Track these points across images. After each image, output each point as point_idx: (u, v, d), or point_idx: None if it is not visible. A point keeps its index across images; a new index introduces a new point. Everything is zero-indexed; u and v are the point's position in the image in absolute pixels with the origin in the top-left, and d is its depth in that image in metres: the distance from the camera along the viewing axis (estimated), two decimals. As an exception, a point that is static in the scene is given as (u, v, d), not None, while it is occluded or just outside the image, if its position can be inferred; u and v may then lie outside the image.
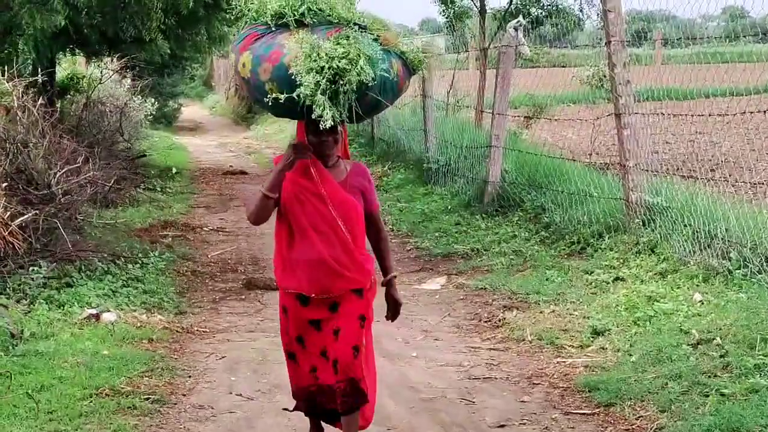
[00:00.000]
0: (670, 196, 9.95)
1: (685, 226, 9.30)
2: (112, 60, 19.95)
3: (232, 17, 17.50)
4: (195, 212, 15.22)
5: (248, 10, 5.39)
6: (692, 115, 9.78)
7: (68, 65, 21.35)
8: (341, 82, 4.89)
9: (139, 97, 22.82)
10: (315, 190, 5.26)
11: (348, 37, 5.03)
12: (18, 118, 11.69)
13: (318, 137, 5.19)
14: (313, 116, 4.92)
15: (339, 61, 4.86)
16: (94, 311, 8.66)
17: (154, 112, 25.98)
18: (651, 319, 8.10)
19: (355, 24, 5.19)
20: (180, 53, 21.85)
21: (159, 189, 17.15)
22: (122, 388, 7.02)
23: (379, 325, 6.49)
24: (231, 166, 21.54)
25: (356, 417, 5.44)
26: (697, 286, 8.50)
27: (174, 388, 7.19)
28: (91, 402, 6.72)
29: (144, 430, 6.39)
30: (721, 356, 6.92)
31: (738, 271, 8.40)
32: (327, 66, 4.85)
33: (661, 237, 9.61)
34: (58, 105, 15.52)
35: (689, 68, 11.29)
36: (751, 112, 8.67)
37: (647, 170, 10.23)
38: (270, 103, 5.08)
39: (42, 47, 14.77)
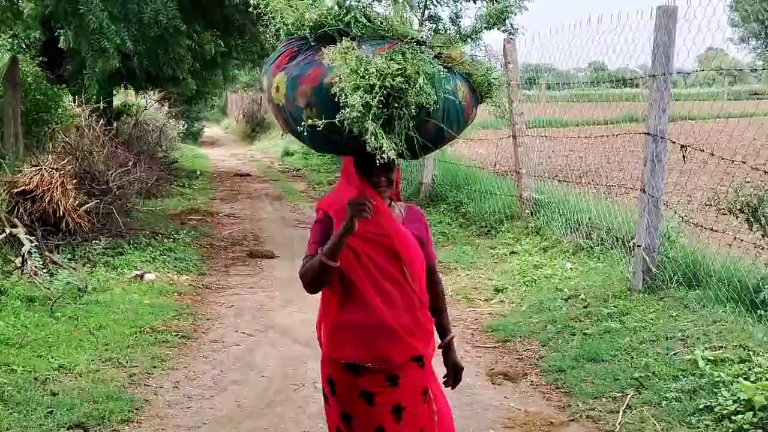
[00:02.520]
0: (550, 194, 10.03)
1: (560, 215, 9.37)
2: (154, 92, 19.92)
3: (246, 57, 17.83)
4: (213, 203, 15.09)
5: (284, 24, 3.22)
6: (566, 138, 9.87)
7: (122, 96, 21.16)
8: (396, 105, 2.91)
9: (173, 120, 22.73)
10: (374, 235, 3.16)
11: (404, 53, 3.02)
12: (85, 133, 11.70)
13: (373, 176, 3.14)
14: (368, 148, 2.84)
15: (393, 79, 2.91)
16: (139, 272, 8.59)
17: (183, 131, 25.94)
18: (536, 281, 8.16)
19: (412, 39, 3.12)
20: (203, 89, 21.81)
21: (187, 186, 16.98)
22: (159, 327, 6.97)
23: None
24: (239, 169, 21.35)
25: None
26: (569, 258, 8.58)
27: (196, 328, 7.14)
28: (136, 337, 6.67)
29: (174, 357, 6.34)
30: (584, 307, 7.00)
31: (597, 247, 8.46)
32: (379, 84, 2.90)
33: (543, 223, 9.68)
34: (115, 125, 15.35)
35: (565, 105, 11.41)
36: (607, 136, 8.77)
37: (534, 176, 10.33)
38: (307, 132, 2.97)
39: (102, 83, 14.73)
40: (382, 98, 2.84)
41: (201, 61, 16.08)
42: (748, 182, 6.32)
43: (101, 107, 14.18)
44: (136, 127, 17.85)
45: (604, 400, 5.28)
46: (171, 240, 10.44)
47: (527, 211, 10.11)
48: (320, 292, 3.24)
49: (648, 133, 6.93)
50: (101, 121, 12.68)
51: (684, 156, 6.57)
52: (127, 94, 21.45)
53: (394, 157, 2.83)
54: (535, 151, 10.36)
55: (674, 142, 6.88)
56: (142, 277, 8.51)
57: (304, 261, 3.18)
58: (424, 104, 2.91)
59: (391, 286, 3.17)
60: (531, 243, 9.43)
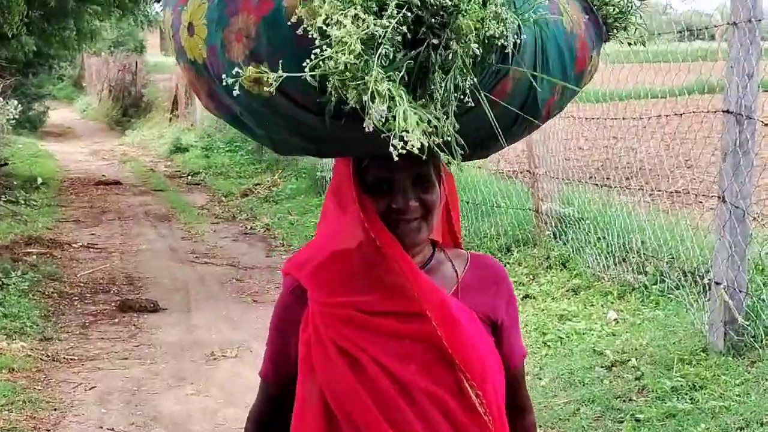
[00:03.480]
0: (583, 206, 10.08)
1: (599, 238, 9.43)
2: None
3: (113, 1, 17.60)
4: (63, 227, 15.01)
5: None
6: (606, 119, 9.92)
7: None
8: (435, 41, 2.06)
9: (0, 99, 22.50)
10: (399, 309, 2.45)
11: None
12: None
13: (390, 199, 2.41)
14: (381, 132, 2.03)
15: None
16: (-54, 338, 8.51)
17: (17, 116, 25.52)
18: (562, 340, 8.18)
19: None
20: (46, 50, 21.66)
21: (22, 201, 16.87)
22: (-22, 423, 6.91)
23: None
24: (104, 175, 21.30)
25: None
26: (612, 303, 8.63)
27: (37, 423, 7.06)
28: (-58, 440, 6.62)
29: (2, 471, 6.30)
30: (636, 379, 7.01)
31: (654, 286, 8.52)
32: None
33: (573, 250, 9.73)
34: None
35: (603, 68, 11.46)
36: (667, 116, 8.82)
37: (558, 178, 10.37)
38: (250, 108, 2.29)
39: None
40: (403, 24, 2.02)
41: (41, 8, 15.96)
42: None
43: None
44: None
45: None
46: (-3, 287, 10.33)
47: (548, 232, 10.16)
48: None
49: (728, 111, 7.02)
50: None
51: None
52: None
53: (435, 149, 2.06)
54: (560, 140, 10.42)
55: (767, 125, 6.97)
56: (-49, 345, 8.40)
57: (260, 386, 2.70)
58: (495, 36, 2.10)
59: (430, 426, 2.42)
60: (555, 281, 9.47)
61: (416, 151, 1.98)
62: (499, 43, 2.14)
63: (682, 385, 6.72)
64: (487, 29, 2.08)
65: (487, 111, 2.18)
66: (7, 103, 22.88)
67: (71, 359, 8.63)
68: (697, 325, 7.43)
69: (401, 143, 1.99)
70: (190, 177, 20.63)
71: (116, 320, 9.85)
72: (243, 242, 13.70)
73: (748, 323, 7.01)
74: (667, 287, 8.37)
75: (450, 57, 2.08)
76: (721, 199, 7.09)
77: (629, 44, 2.62)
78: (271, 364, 2.62)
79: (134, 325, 9.68)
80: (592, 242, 9.52)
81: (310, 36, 2.08)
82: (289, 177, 17.44)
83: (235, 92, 2.14)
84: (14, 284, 10.52)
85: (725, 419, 6.16)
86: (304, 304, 2.50)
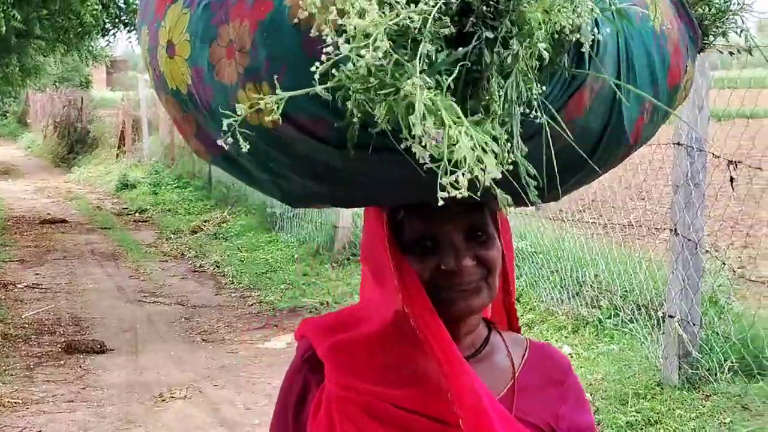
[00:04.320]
0: (537, 240, 10.13)
1: (553, 272, 9.47)
2: None
3: (57, 37, 17.52)
4: (6, 267, 14.86)
5: None
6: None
7: None
8: (489, 35, 1.51)
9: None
10: (426, 411, 1.94)
11: None
12: None
13: (439, 258, 1.92)
14: (422, 162, 1.47)
15: None
16: None
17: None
18: (516, 376, 8.19)
19: None
20: (-12, 87, 21.55)
21: (-35, 241, 16.77)
22: None
23: (216, 390, 6.40)
24: (49, 213, 21.11)
25: None
26: (566, 337, 8.66)
27: (-20, 471, 7.00)
28: None
29: None
30: (592, 410, 7.02)
31: (609, 320, 8.56)
32: None
33: (527, 285, 9.76)
34: None
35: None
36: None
37: (511, 213, 10.38)
38: (252, 156, 1.76)
39: None
40: (446, 13, 1.51)
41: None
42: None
43: None
44: None
45: None
46: (-61, 329, 10.22)
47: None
48: None
49: (678, 143, 7.08)
50: None
51: (732, 178, 6.68)
52: None
53: (493, 188, 1.47)
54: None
55: (717, 157, 7.03)
56: None
57: None
58: (567, 30, 1.60)
59: None
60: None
61: (467, 193, 1.42)
62: (573, 39, 1.61)
63: (637, 420, 6.74)
64: (557, 20, 1.56)
65: (563, 132, 1.65)
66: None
67: (15, 403, 8.50)
68: (652, 359, 7.47)
69: (452, 182, 1.43)
70: (137, 214, 20.50)
71: (62, 362, 9.74)
72: (192, 280, 13.62)
73: (702, 356, 7.06)
74: (621, 321, 8.42)
75: (509, 58, 1.53)
76: (673, 231, 7.15)
77: (730, 53, 2.08)
78: None
79: (80, 366, 9.57)
80: (545, 276, 9.56)
81: (323, 37, 1.53)
82: (239, 213, 17.39)
83: (227, 123, 1.60)
84: (-44, 326, 10.44)
85: (681, 454, 6.21)
86: (319, 380, 2.00)
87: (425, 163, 1.47)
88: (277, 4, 1.67)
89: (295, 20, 1.61)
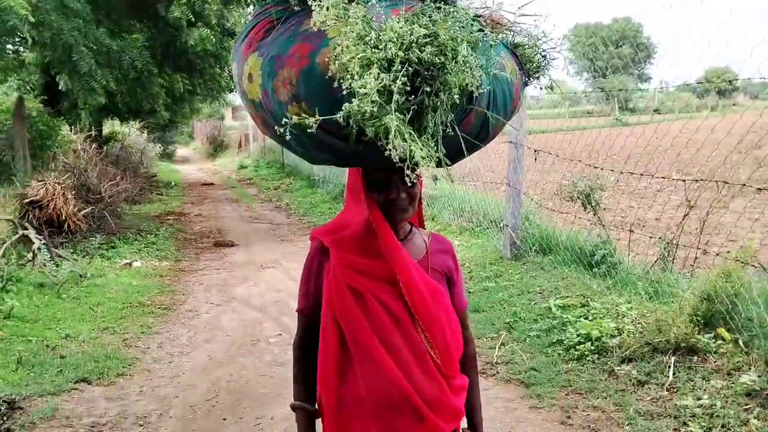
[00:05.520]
0: (444, 190, 10.10)
1: (450, 205, 9.50)
2: (135, 122, 19.35)
3: (207, 94, 17.47)
4: (185, 206, 14.71)
5: None
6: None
7: (110, 125, 20.49)
8: (428, 89, 1.52)
9: (152, 143, 22.13)
10: (384, 275, 1.87)
11: (430, 15, 1.60)
12: (81, 155, 11.32)
13: (387, 193, 1.88)
14: (392, 156, 1.50)
15: (421, 50, 1.51)
16: (128, 261, 8.36)
17: (160, 152, 25.20)
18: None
19: None
20: (174, 119, 21.23)
21: (164, 194, 16.50)
22: (145, 302, 6.79)
23: (288, 263, 6.13)
24: (205, 180, 20.85)
25: None
26: (456, 236, 8.64)
27: (174, 301, 6.96)
28: (126, 310, 6.49)
29: (157, 324, 6.19)
30: (468, 272, 7.05)
31: (477, 228, 8.56)
32: (401, 58, 1.50)
33: (438, 211, 9.76)
34: (105, 148, 14.86)
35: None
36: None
37: (429, 176, 10.36)
38: (292, 136, 1.63)
39: (93, 115, 14.41)
40: (406, 79, 1.50)
41: (172, 97, 15.75)
42: (584, 176, 6.52)
43: (93, 134, 13.82)
44: (122, 149, 17.29)
45: (484, 339, 5.38)
46: (153, 235, 10.13)
47: (424, 202, 10.16)
48: (319, 355, 1.93)
49: (511, 142, 7.10)
50: (93, 146, 12.39)
51: (536, 158, 6.74)
52: (114, 123, 20.75)
53: (432, 165, 1.54)
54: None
55: (529, 147, 7.06)
56: (130, 264, 8.26)
57: (298, 319, 2.04)
58: (469, 86, 1.58)
59: (406, 344, 1.86)
60: (427, 226, 9.46)
61: (413, 166, 1.51)
62: (470, 90, 1.59)
63: (490, 275, 6.80)
64: (464, 80, 1.56)
65: (459, 137, 1.65)
66: (155, 145, 22.57)
67: (191, 270, 8.48)
68: (498, 246, 7.52)
69: (412, 167, 1.51)
70: (248, 181, 20.27)
71: (212, 251, 9.71)
72: (275, 212, 13.50)
73: (521, 244, 7.12)
74: (483, 228, 8.45)
75: (438, 100, 1.55)
76: (508, 185, 7.18)
77: (541, 89, 2.02)
78: (305, 301, 1.99)
79: (222, 253, 9.53)
80: (447, 207, 9.58)
81: (337, 86, 1.53)
82: (297, 178, 17.28)
83: (285, 123, 1.60)
84: (161, 234, 10.35)
85: (511, 290, 6.26)
86: (327, 258, 1.93)
87: (397, 156, 1.50)
88: (312, 61, 1.60)
89: (326, 72, 1.56)
